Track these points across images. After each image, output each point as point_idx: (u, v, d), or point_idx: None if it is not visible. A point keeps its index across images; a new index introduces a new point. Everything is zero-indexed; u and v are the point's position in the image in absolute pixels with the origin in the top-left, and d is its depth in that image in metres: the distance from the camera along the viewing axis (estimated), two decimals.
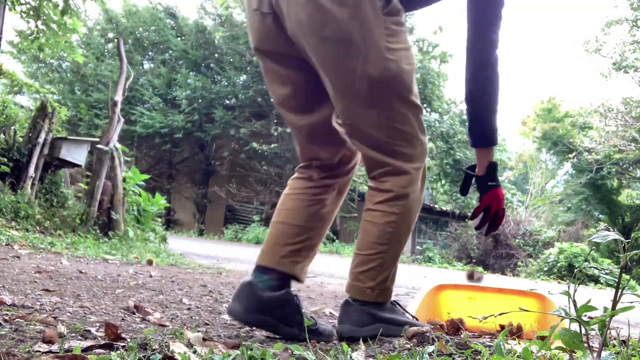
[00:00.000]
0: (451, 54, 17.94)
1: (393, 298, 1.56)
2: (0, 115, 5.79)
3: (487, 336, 1.65)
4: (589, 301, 0.94)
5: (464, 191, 1.69)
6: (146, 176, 6.94)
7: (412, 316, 1.59)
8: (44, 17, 6.52)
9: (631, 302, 0.91)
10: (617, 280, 0.93)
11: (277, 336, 1.49)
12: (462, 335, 1.42)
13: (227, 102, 18.66)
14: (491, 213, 1.64)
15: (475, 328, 1.86)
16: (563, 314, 0.92)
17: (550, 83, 61.04)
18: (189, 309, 2.03)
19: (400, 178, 1.44)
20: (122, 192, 5.91)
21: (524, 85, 63.36)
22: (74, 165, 6.12)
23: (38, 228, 5.15)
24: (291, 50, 1.43)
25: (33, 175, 5.55)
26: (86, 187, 5.92)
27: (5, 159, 5.45)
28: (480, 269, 13.42)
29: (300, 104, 1.53)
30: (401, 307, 1.59)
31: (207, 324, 1.68)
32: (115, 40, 19.36)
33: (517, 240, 15.10)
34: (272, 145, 16.14)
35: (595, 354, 0.91)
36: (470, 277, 2.05)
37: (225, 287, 3.11)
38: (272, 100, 1.59)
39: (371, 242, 1.45)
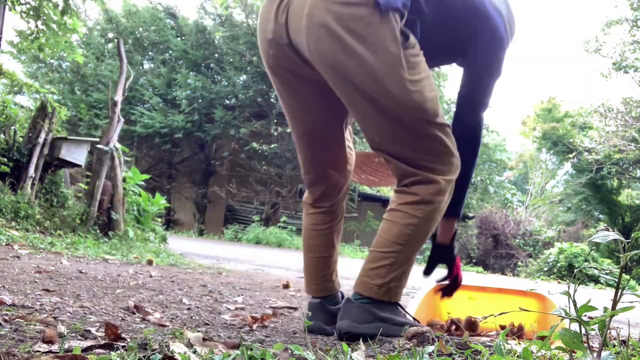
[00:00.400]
0: None
1: None
2: (0, 115, 5.79)
3: (487, 336, 1.65)
4: (589, 301, 0.94)
5: (428, 270, 1.78)
6: (146, 176, 6.93)
7: (413, 318, 1.60)
8: (44, 17, 6.51)
9: (631, 302, 0.91)
10: (617, 280, 0.93)
11: (277, 336, 1.49)
12: (462, 336, 1.42)
13: (227, 102, 18.66)
14: (459, 281, 1.80)
15: (487, 329, 1.86)
16: (563, 314, 0.92)
17: (550, 83, 61.02)
18: (189, 309, 2.03)
19: (429, 186, 1.47)
20: (122, 192, 5.91)
21: (524, 85, 63.37)
22: (74, 165, 6.12)
23: (38, 228, 5.15)
24: (307, 72, 1.49)
25: (33, 175, 5.55)
26: (86, 187, 5.92)
27: (5, 159, 5.45)
28: (480, 268, 13.42)
29: (314, 117, 1.61)
30: (402, 308, 1.59)
31: (207, 324, 1.68)
32: (115, 40, 19.36)
33: (517, 240, 15.10)
34: (272, 145, 16.14)
35: (595, 354, 0.91)
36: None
37: (225, 287, 3.11)
38: (285, 115, 1.68)
39: (388, 241, 1.48)
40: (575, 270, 0.98)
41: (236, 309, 2.16)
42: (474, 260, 15.08)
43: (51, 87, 19.26)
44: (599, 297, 5.44)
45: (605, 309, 0.93)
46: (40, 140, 5.65)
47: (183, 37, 19.85)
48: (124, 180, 6.08)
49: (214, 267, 4.83)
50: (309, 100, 1.58)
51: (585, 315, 0.94)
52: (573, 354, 0.97)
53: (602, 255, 12.65)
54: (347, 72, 1.37)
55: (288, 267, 6.11)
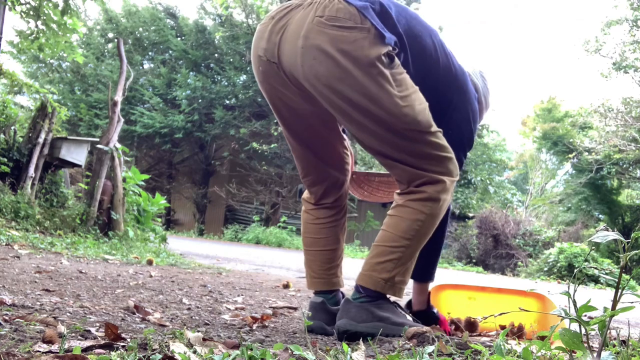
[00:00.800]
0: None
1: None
2: (0, 115, 5.79)
3: (487, 336, 1.65)
4: (589, 301, 0.94)
5: None
6: (146, 176, 6.93)
7: (413, 318, 1.60)
8: (44, 17, 6.51)
9: (631, 302, 0.91)
10: (617, 280, 0.93)
11: (277, 336, 1.49)
12: (462, 336, 1.41)
13: (227, 102, 18.66)
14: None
15: (487, 329, 1.86)
16: (563, 314, 0.92)
17: (550, 83, 61.04)
18: (189, 309, 2.03)
19: (436, 185, 1.52)
20: (122, 192, 5.91)
21: (524, 85, 63.36)
22: (74, 165, 6.12)
23: (38, 228, 5.15)
24: (293, 90, 1.55)
25: (33, 175, 5.55)
26: (86, 187, 5.91)
27: (5, 159, 5.45)
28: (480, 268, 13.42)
29: (308, 122, 1.66)
30: (402, 308, 1.60)
31: (207, 324, 1.68)
32: (115, 40, 19.36)
33: (517, 240, 15.09)
34: (272, 145, 16.14)
35: (595, 354, 0.91)
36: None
37: (225, 287, 3.11)
38: (278, 124, 1.74)
39: (396, 235, 1.51)
40: (575, 270, 0.98)
41: (236, 309, 2.16)
42: (474, 260, 15.07)
43: (51, 87, 19.26)
44: (599, 297, 5.44)
45: (605, 309, 0.93)
46: (40, 140, 5.65)
47: (183, 37, 19.84)
48: (124, 180, 6.08)
49: (214, 267, 4.83)
50: (300, 110, 1.63)
51: (585, 315, 0.94)
52: (573, 354, 0.97)
53: (602, 255, 12.64)
54: (341, 90, 1.44)
55: (288, 267, 6.12)
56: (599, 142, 16.69)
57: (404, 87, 1.48)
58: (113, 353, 1.01)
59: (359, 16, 1.42)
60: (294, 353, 1.08)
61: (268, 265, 6.31)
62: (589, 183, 17.76)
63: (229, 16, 17.55)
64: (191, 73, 18.93)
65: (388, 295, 1.54)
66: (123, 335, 1.23)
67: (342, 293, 1.79)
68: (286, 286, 3.49)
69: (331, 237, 1.75)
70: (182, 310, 1.98)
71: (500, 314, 1.24)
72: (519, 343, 1.44)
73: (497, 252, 14.98)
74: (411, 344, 1.29)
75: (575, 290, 0.93)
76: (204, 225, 18.91)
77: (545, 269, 11.49)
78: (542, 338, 1.09)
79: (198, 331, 1.36)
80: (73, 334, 1.22)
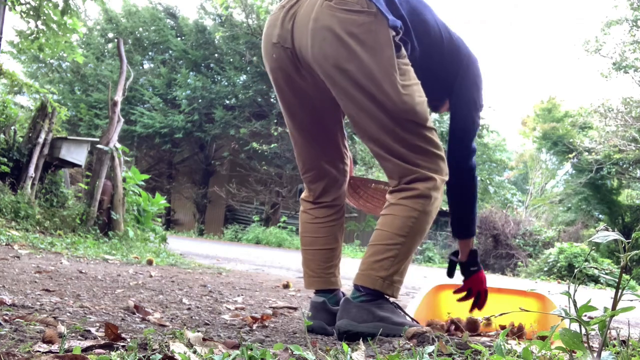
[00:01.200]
0: None
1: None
2: (0, 115, 5.79)
3: (487, 336, 1.65)
4: (589, 301, 0.94)
5: (450, 274, 1.99)
6: (146, 176, 6.93)
7: (412, 318, 1.60)
8: (44, 17, 6.51)
9: (631, 302, 0.91)
10: (617, 280, 0.93)
11: (277, 336, 1.49)
12: (462, 336, 1.41)
13: (227, 102, 18.66)
14: (473, 294, 1.90)
15: (487, 329, 1.86)
16: (563, 314, 0.92)
17: (550, 83, 61.00)
18: (189, 309, 2.03)
19: (427, 182, 1.54)
20: (122, 192, 5.91)
21: (524, 85, 63.36)
22: (74, 165, 6.12)
23: (38, 228, 5.15)
24: (304, 75, 1.60)
25: (33, 175, 5.55)
26: (86, 187, 5.91)
27: (5, 159, 5.45)
28: None
29: (313, 114, 1.70)
30: (401, 309, 1.60)
31: (207, 324, 1.68)
32: (115, 40, 19.35)
33: (517, 240, 15.09)
34: (272, 145, 16.14)
35: (595, 354, 0.91)
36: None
37: (225, 287, 3.11)
38: (284, 115, 1.77)
39: (391, 233, 1.53)
40: (575, 270, 0.98)
41: (236, 309, 2.16)
42: None
43: (51, 87, 19.26)
44: (599, 297, 5.44)
45: (605, 309, 0.93)
46: (40, 140, 5.65)
47: (183, 37, 19.85)
48: (124, 180, 6.08)
49: (214, 267, 4.83)
50: (308, 98, 1.67)
51: (585, 315, 0.94)
52: (573, 354, 0.97)
53: (602, 255, 12.64)
54: (347, 71, 1.48)
55: (288, 267, 6.12)
56: (599, 142, 16.69)
57: (406, 77, 1.52)
58: (113, 353, 1.01)
59: (365, 1, 1.47)
60: (294, 353, 1.08)
61: (268, 265, 6.31)
62: (589, 183, 17.76)
63: (229, 16, 17.55)
64: (191, 73, 18.93)
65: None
66: (123, 335, 1.23)
67: (342, 292, 1.79)
68: (286, 286, 3.49)
69: (330, 236, 1.77)
70: (182, 310, 1.98)
71: (501, 314, 1.24)
72: (519, 343, 1.44)
73: (497, 252, 14.98)
74: (411, 344, 1.29)
75: (575, 290, 0.93)
76: (204, 225, 18.92)
77: (545, 269, 11.49)
78: (542, 338, 1.09)
79: (198, 331, 1.36)
80: (73, 334, 1.22)
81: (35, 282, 2.27)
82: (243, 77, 18.39)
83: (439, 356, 1.12)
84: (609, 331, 0.95)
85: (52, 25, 6.57)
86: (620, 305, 0.92)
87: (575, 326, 0.93)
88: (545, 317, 1.80)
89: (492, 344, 1.35)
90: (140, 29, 20.27)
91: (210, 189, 19.30)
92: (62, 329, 1.23)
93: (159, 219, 7.81)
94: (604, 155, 16.48)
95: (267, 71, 1.69)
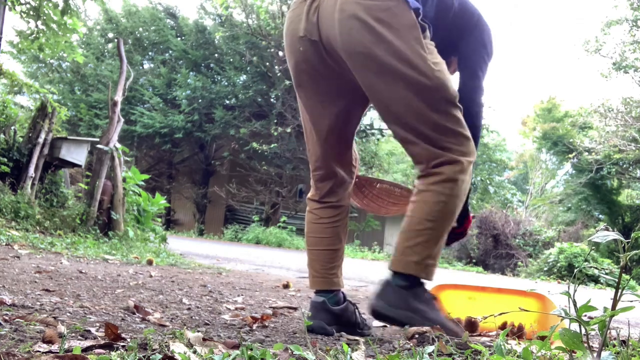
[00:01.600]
0: None
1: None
2: (0, 115, 5.79)
3: (487, 336, 1.65)
4: (589, 301, 0.94)
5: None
6: (146, 176, 6.93)
7: (453, 320, 1.61)
8: (44, 17, 6.51)
9: (631, 302, 0.91)
10: (617, 280, 0.93)
11: (277, 336, 1.49)
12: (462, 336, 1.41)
13: (227, 102, 18.65)
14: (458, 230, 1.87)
15: (487, 329, 1.86)
16: (563, 314, 0.92)
17: (550, 83, 60.95)
18: (189, 309, 2.03)
19: (454, 165, 1.57)
20: (122, 192, 5.91)
21: (524, 85, 63.34)
22: (74, 165, 6.12)
23: (38, 228, 5.15)
24: (331, 68, 1.64)
25: (33, 175, 5.55)
26: (86, 187, 5.91)
27: (5, 159, 5.45)
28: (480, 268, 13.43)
29: (333, 113, 1.72)
30: (438, 304, 1.61)
31: (207, 324, 1.68)
32: (115, 40, 19.35)
33: (517, 240, 15.09)
34: (272, 145, 16.13)
35: (595, 354, 0.91)
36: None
37: (225, 287, 3.11)
38: (301, 118, 1.80)
39: (421, 219, 1.56)
40: (575, 270, 0.98)
41: (236, 309, 2.16)
42: (474, 260, 15.07)
43: (51, 87, 19.26)
44: (599, 297, 5.44)
45: (605, 309, 0.93)
46: (40, 140, 5.65)
47: (183, 37, 19.84)
48: (124, 180, 6.08)
49: (214, 267, 4.83)
50: (330, 95, 1.70)
51: (585, 315, 0.94)
52: (573, 354, 0.97)
53: (602, 255, 12.65)
54: (378, 55, 1.52)
55: (288, 267, 6.12)
56: (599, 142, 16.69)
57: (435, 55, 1.57)
58: (113, 353, 1.01)
59: None
60: (294, 353, 1.08)
61: (268, 265, 6.31)
62: (589, 183, 17.77)
63: (229, 16, 17.54)
64: (191, 73, 18.92)
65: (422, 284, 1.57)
66: (123, 335, 1.23)
67: (343, 293, 1.79)
68: (286, 286, 3.49)
69: (334, 237, 1.79)
70: (182, 310, 1.98)
71: (500, 314, 1.24)
72: (519, 343, 1.44)
73: (497, 252, 14.98)
74: (411, 344, 1.29)
75: (575, 290, 0.93)
76: (204, 225, 18.91)
77: (545, 269, 11.49)
78: (542, 338, 1.09)
79: (198, 331, 1.36)
80: (73, 334, 1.22)
81: (35, 282, 2.28)
82: (243, 77, 18.37)
83: (439, 356, 1.12)
84: (609, 331, 0.95)
85: (52, 25, 6.58)
86: (620, 305, 0.92)
87: (575, 326, 0.93)
88: (545, 317, 1.80)
89: (492, 344, 1.35)
90: (140, 29, 20.26)
91: (210, 189, 19.29)
92: (62, 329, 1.23)
93: (159, 219, 7.81)
94: (604, 155, 16.48)
95: (290, 68, 1.72)
